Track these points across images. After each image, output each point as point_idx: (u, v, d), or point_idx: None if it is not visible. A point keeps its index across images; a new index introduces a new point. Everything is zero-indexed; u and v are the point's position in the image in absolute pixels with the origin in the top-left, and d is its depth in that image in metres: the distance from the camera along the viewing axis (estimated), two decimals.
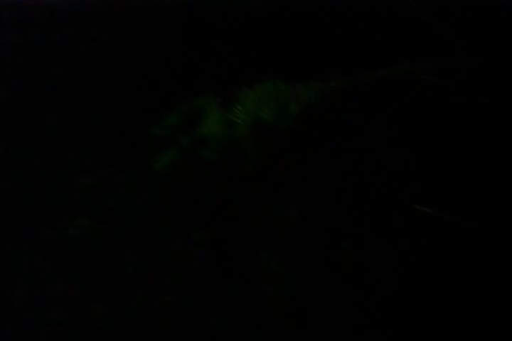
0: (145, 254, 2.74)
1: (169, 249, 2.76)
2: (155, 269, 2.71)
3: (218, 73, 2.75)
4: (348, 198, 2.72)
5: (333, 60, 2.57)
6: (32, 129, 2.87)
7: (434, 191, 2.54)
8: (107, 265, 2.72)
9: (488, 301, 2.37)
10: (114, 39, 2.89)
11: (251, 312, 2.56)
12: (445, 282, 2.49)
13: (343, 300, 2.52)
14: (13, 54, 2.94)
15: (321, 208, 2.70)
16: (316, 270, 2.66)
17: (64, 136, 2.84)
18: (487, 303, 2.36)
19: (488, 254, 2.39)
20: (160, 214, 2.81)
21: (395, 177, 2.68)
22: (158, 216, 2.81)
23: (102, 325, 2.58)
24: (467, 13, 2.18)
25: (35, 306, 2.59)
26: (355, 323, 2.47)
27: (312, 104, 1.66)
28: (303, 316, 2.54)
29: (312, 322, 2.52)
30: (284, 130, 1.72)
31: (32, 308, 2.59)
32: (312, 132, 2.67)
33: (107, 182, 2.85)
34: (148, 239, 2.76)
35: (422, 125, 2.56)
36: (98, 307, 2.58)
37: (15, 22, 2.88)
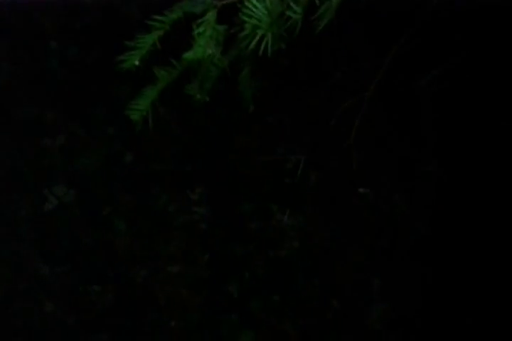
0: (140, 221, 2.39)
1: (167, 212, 2.41)
2: (153, 237, 2.38)
3: None
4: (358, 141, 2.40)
5: None
6: None
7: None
8: (98, 238, 2.36)
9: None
10: None
11: (271, 274, 2.29)
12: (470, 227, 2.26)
13: (367, 249, 2.27)
14: None
15: (329, 152, 2.38)
16: (332, 221, 2.39)
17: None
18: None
19: None
20: (149, 174, 2.44)
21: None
22: (147, 176, 2.45)
23: (100, 310, 2.26)
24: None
25: (26, 297, 2.25)
26: (382, 273, 2.24)
27: None
28: (328, 271, 2.28)
29: (338, 277, 2.28)
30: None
31: (22, 299, 2.25)
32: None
33: (81, 141, 2.45)
34: (141, 203, 2.40)
35: None
36: (95, 288, 2.25)
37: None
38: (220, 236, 2.42)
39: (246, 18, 1.08)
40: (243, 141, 2.53)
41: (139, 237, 2.42)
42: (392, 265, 2.36)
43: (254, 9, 1.08)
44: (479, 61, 2.18)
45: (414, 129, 2.42)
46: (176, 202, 2.47)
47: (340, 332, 2.31)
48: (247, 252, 2.39)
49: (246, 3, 1.07)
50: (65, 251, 2.37)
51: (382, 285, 2.32)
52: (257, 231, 2.44)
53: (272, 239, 2.42)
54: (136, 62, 1.18)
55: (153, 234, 2.41)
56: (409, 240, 2.37)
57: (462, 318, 2.25)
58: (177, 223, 2.43)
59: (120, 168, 2.47)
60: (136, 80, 1.42)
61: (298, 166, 2.46)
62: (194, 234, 2.42)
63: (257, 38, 1.07)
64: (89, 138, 2.52)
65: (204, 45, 1.12)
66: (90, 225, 2.42)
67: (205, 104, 2.66)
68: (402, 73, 2.19)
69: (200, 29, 1.15)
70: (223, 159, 2.54)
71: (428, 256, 2.34)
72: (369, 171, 2.45)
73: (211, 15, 1.13)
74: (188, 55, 1.17)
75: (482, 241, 2.31)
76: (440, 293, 2.29)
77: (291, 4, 1.07)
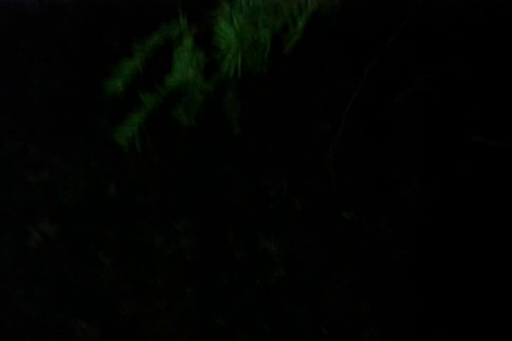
0: (125, 254, 2.36)
1: (152, 244, 2.39)
2: (140, 270, 2.35)
3: None
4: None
5: None
6: None
7: None
8: (83, 273, 2.32)
9: None
10: None
11: (260, 302, 2.26)
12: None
13: (354, 274, 2.27)
14: None
15: (312, 177, 2.40)
16: (317, 246, 2.39)
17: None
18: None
19: None
20: (133, 206, 2.43)
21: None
22: (131, 208, 2.44)
23: None
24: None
25: (12, 336, 2.19)
26: (370, 297, 2.23)
27: (325, 12, 1.20)
28: (315, 298, 2.27)
29: (326, 303, 2.26)
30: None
31: (7, 339, 2.19)
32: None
33: (64, 175, 2.44)
34: (126, 236, 2.38)
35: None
36: (82, 325, 2.20)
37: None
38: (206, 267, 2.40)
39: (217, 43, 1.11)
40: (226, 169, 2.54)
41: (125, 271, 2.39)
42: (379, 289, 2.35)
43: (224, 34, 1.11)
44: (455, 78, 2.22)
45: (395, 150, 2.45)
46: (162, 233, 2.45)
47: None
48: (233, 282, 2.37)
49: (217, 29, 1.10)
50: (50, 287, 2.32)
51: (370, 310, 2.31)
52: (243, 259, 2.42)
53: (259, 267, 2.40)
54: (120, 87, 1.20)
55: (139, 267, 2.38)
56: (396, 263, 2.37)
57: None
58: (163, 255, 2.41)
59: (104, 201, 2.46)
60: (118, 110, 1.44)
61: (282, 193, 2.47)
62: (180, 265, 2.40)
63: (228, 61, 1.09)
64: (73, 172, 2.50)
65: (183, 69, 1.15)
66: (75, 260, 2.39)
67: (187, 134, 2.67)
68: (378, 92, 2.22)
69: (179, 54, 1.17)
70: (207, 189, 2.54)
71: (415, 279, 2.34)
72: (352, 195, 2.47)
73: (188, 41, 1.16)
74: (170, 80, 1.19)
75: (469, 263, 2.32)
76: (429, 316, 2.28)
77: (260, 29, 1.10)
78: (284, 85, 2.49)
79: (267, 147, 2.55)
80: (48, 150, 2.46)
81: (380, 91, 2.08)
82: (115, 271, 2.40)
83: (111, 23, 2.53)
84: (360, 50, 2.14)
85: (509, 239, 2.27)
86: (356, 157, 2.50)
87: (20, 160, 2.42)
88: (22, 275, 2.30)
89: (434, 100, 2.25)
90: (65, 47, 2.55)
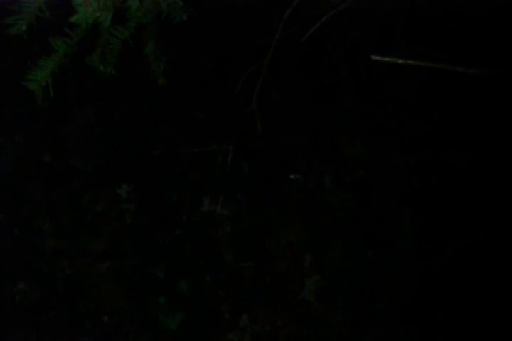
0: (64, 219, 2.33)
1: (94, 209, 2.36)
2: (80, 234, 2.32)
3: None
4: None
5: None
6: None
7: None
8: (22, 238, 2.29)
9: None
10: None
11: (201, 255, 2.27)
12: None
13: (299, 229, 2.30)
14: None
15: (262, 143, 2.41)
16: (264, 205, 2.41)
17: None
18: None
19: None
20: (71, 172, 2.39)
21: None
22: (69, 174, 2.40)
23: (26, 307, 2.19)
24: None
25: None
26: (315, 249, 2.26)
27: None
28: (259, 250, 2.29)
29: (271, 255, 2.28)
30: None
31: None
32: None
33: None
34: (64, 202, 2.34)
35: None
36: (20, 285, 2.17)
37: None
38: (148, 228, 2.39)
39: None
40: (171, 135, 2.52)
41: (65, 236, 2.36)
42: (323, 241, 2.39)
43: None
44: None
45: (336, 109, 2.46)
46: (103, 199, 2.42)
47: (273, 305, 2.31)
48: (175, 239, 2.37)
49: None
50: None
51: (314, 260, 2.34)
52: (186, 220, 2.42)
53: (202, 226, 2.40)
54: (24, 27, 1.16)
55: (79, 232, 2.35)
56: (338, 217, 2.40)
57: None
58: (104, 219, 2.39)
59: (40, 168, 2.41)
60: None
61: (227, 157, 2.46)
62: (122, 228, 2.38)
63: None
64: (7, 141, 2.45)
65: (83, 3, 1.11)
66: (13, 225, 2.35)
67: (128, 99, 2.62)
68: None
69: None
70: (150, 154, 2.51)
71: (356, 230, 2.38)
72: (297, 155, 2.47)
73: None
74: (74, 18, 1.16)
75: (402, 217, 2.36)
76: (363, 261, 2.32)
77: None
78: (207, 36, 2.46)
79: (213, 115, 2.53)
80: None
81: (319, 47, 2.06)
82: (55, 235, 2.36)
83: None
84: None
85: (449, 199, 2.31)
86: (298, 118, 2.50)
87: None
88: None
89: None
90: None
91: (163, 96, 2.43)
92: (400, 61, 1.27)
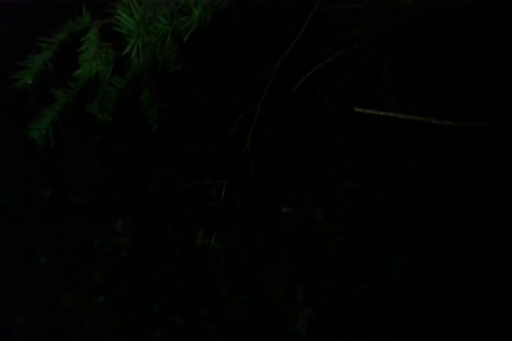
0: (61, 253, 2.39)
1: (90, 243, 2.42)
2: (76, 268, 2.37)
3: None
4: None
5: None
6: None
7: None
8: (20, 272, 2.33)
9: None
10: None
11: (196, 289, 2.32)
12: None
13: (291, 263, 2.35)
14: None
15: (255, 179, 2.49)
16: (257, 239, 2.47)
17: None
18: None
19: None
20: (68, 207, 2.46)
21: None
22: (66, 209, 2.46)
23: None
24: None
25: None
26: (306, 282, 2.32)
27: (222, 9, 1.28)
28: (252, 284, 2.34)
29: (263, 288, 2.34)
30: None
31: None
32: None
33: None
34: (62, 236, 2.40)
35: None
36: (17, 319, 2.21)
37: None
38: (144, 262, 2.44)
39: (118, 29, 1.18)
40: (166, 170, 2.59)
41: (62, 269, 2.41)
42: (315, 275, 2.44)
43: (125, 22, 1.19)
44: None
45: (327, 145, 2.54)
46: (99, 233, 2.48)
47: (266, 338, 2.35)
48: (170, 273, 2.42)
49: (118, 18, 1.17)
50: None
51: (307, 294, 2.39)
52: (181, 254, 2.47)
53: (197, 260, 2.46)
54: (29, 81, 1.25)
55: (75, 266, 2.40)
56: (330, 250, 2.46)
57: None
58: (100, 253, 2.44)
59: (38, 203, 2.48)
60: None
61: (222, 191, 2.53)
62: (117, 262, 2.43)
63: (129, 46, 1.16)
64: (6, 176, 2.51)
65: (90, 60, 1.21)
66: (11, 260, 2.40)
67: (123, 137, 2.70)
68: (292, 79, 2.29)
69: (84, 46, 1.24)
70: (146, 189, 2.58)
71: (348, 264, 2.44)
72: (289, 189, 2.54)
73: (92, 33, 1.23)
74: (77, 72, 1.25)
75: (400, 248, 2.42)
76: (359, 295, 2.38)
77: (158, 16, 1.18)
78: (206, 83, 2.57)
79: (207, 150, 2.60)
80: None
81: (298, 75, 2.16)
82: (52, 269, 2.41)
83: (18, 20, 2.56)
84: (270, 42, 2.24)
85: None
86: (290, 154, 2.58)
87: None
88: None
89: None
90: None
91: (160, 132, 2.51)
92: (381, 113, 1.37)
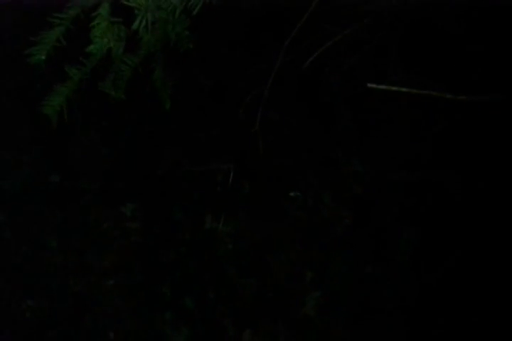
0: (71, 237, 2.39)
1: (99, 228, 2.42)
2: (86, 252, 2.38)
3: None
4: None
5: None
6: None
7: None
8: (30, 255, 2.35)
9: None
10: None
11: (205, 272, 2.32)
12: None
13: (299, 246, 2.36)
14: None
15: (259, 161, 2.48)
16: (265, 223, 2.47)
17: None
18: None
19: None
20: (77, 191, 2.46)
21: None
22: (75, 194, 2.46)
23: (35, 324, 2.24)
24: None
25: None
26: (315, 266, 2.32)
27: None
28: (261, 266, 2.35)
29: (271, 271, 2.34)
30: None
31: None
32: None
33: (6, 163, 2.45)
34: (71, 221, 2.41)
35: None
36: (29, 302, 2.22)
37: None
38: (153, 246, 2.45)
39: (128, 3, 1.18)
40: (174, 155, 2.59)
41: (72, 253, 2.42)
42: (323, 258, 2.45)
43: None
44: None
45: (335, 129, 2.54)
46: (108, 217, 2.49)
47: (275, 320, 2.36)
48: (179, 256, 2.43)
49: None
50: None
51: (315, 276, 2.40)
52: (190, 238, 2.48)
53: (206, 244, 2.46)
54: (43, 57, 1.24)
55: (85, 250, 2.41)
56: (338, 233, 2.46)
57: None
58: (109, 237, 2.45)
59: (47, 188, 2.48)
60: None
61: (228, 176, 2.53)
62: (127, 246, 2.44)
63: (138, 20, 1.16)
64: (15, 161, 2.52)
65: (101, 36, 1.20)
66: (21, 243, 2.41)
67: (133, 120, 2.70)
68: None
69: (95, 22, 1.23)
70: (153, 173, 2.58)
71: (356, 246, 2.44)
72: (298, 173, 2.54)
73: (104, 9, 1.22)
74: (90, 48, 1.25)
75: (401, 233, 2.42)
76: (365, 279, 2.38)
77: None
78: (207, 64, 2.56)
79: (214, 135, 2.60)
80: None
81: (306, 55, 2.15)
82: (62, 253, 2.42)
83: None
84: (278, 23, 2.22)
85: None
86: (299, 138, 2.58)
87: None
88: None
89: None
90: None
91: (166, 117, 2.51)
92: (394, 88, 1.36)
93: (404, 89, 1.36)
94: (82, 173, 2.55)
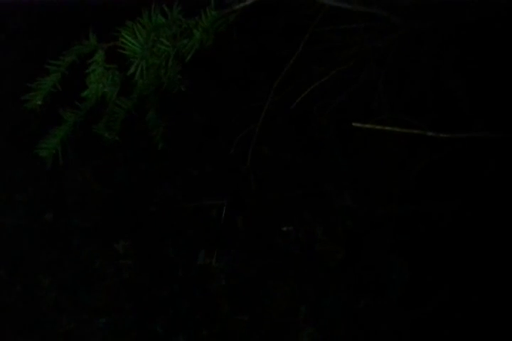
0: (64, 275, 2.40)
1: (92, 265, 2.43)
2: (79, 290, 2.38)
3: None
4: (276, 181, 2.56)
5: None
6: None
7: None
8: (22, 293, 2.34)
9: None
10: None
11: (198, 308, 2.32)
12: None
13: (292, 281, 2.37)
14: None
15: (255, 198, 2.52)
16: (258, 258, 2.48)
17: None
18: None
19: None
20: (71, 229, 2.48)
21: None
22: (68, 231, 2.48)
23: None
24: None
25: None
26: (309, 301, 2.33)
27: (222, 31, 1.33)
28: (254, 302, 2.35)
29: (265, 306, 2.35)
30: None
31: None
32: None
33: (1, 201, 2.48)
34: (64, 258, 2.42)
35: None
36: None
37: None
38: (146, 284, 2.45)
39: (122, 51, 1.24)
40: (167, 191, 2.62)
41: (64, 291, 2.42)
42: (316, 293, 2.45)
43: (129, 44, 1.24)
44: None
45: (326, 163, 2.58)
46: (101, 255, 2.50)
47: None
48: (172, 294, 2.43)
49: (123, 41, 1.23)
50: None
51: (309, 312, 2.41)
52: (183, 274, 2.48)
53: (199, 280, 2.47)
54: (39, 102, 1.29)
55: (78, 287, 2.41)
56: (331, 268, 2.48)
57: None
58: (101, 275, 2.45)
59: (42, 226, 2.50)
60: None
61: (222, 211, 2.56)
62: (119, 284, 2.44)
63: (133, 67, 1.21)
64: (10, 199, 2.54)
65: (96, 81, 1.26)
66: (13, 281, 2.40)
67: (126, 158, 2.73)
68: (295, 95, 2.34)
69: (91, 68, 1.29)
70: (147, 210, 2.61)
71: (348, 281, 2.45)
72: (289, 208, 2.58)
73: (99, 56, 1.28)
74: (85, 93, 1.30)
75: (397, 268, 2.44)
76: (362, 314, 2.39)
77: (161, 38, 1.24)
78: (206, 104, 2.63)
79: (207, 171, 2.64)
80: None
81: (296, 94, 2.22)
82: (54, 291, 2.42)
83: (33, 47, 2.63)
84: (268, 62, 2.30)
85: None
86: (289, 173, 2.62)
87: None
88: None
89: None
90: None
91: (159, 154, 2.55)
92: (378, 127, 1.42)
93: (387, 128, 1.42)
94: (75, 211, 2.57)
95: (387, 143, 2.40)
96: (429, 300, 2.35)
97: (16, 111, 2.53)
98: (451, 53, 1.91)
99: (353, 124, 1.36)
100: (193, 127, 2.67)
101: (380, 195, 2.55)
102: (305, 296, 2.43)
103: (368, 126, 1.36)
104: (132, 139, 2.21)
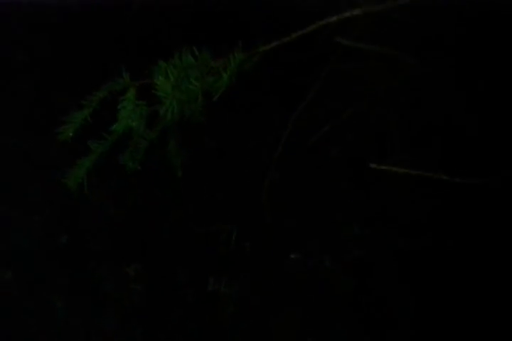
0: (76, 298, 2.43)
1: (103, 289, 2.46)
2: (90, 313, 2.41)
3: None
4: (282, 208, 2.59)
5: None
6: None
7: None
8: (36, 315, 2.37)
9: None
10: None
11: (208, 336, 2.34)
12: None
13: (301, 309, 2.38)
14: None
15: (264, 224, 2.55)
16: (266, 285, 2.50)
17: None
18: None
19: None
20: (84, 252, 2.52)
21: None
22: (82, 255, 2.52)
23: None
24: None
25: None
26: (318, 330, 2.34)
27: (247, 71, 1.40)
28: (263, 331, 2.36)
29: (274, 336, 2.36)
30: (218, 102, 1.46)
31: None
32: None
33: (18, 224, 2.52)
34: (77, 281, 2.45)
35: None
36: None
37: None
38: (156, 310, 2.47)
39: (155, 92, 1.31)
40: (177, 216, 2.66)
41: (76, 314, 2.44)
42: (325, 321, 2.46)
43: (161, 86, 1.31)
44: None
45: (335, 197, 2.62)
46: (112, 279, 2.52)
47: None
48: (182, 320, 2.44)
49: (156, 81, 1.30)
50: (4, 331, 2.35)
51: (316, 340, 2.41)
52: (193, 301, 2.50)
53: (208, 307, 2.49)
54: (71, 134, 1.36)
55: (89, 311, 2.43)
56: (339, 296, 2.49)
57: None
58: (112, 299, 2.48)
59: (56, 249, 2.54)
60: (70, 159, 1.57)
61: (231, 237, 2.59)
62: (129, 309, 2.46)
63: (166, 108, 1.28)
64: (27, 221, 2.59)
65: (127, 117, 1.32)
66: (28, 303, 2.43)
67: (136, 181, 2.79)
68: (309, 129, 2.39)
69: (123, 105, 1.36)
70: (158, 234, 2.64)
71: (357, 311, 2.47)
72: (298, 236, 2.60)
73: (131, 93, 1.35)
74: (115, 127, 1.36)
75: (407, 297, 2.46)
76: None
77: (191, 79, 1.31)
78: (224, 133, 2.68)
79: (217, 196, 2.69)
80: (2, 201, 2.54)
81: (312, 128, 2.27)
82: (67, 313, 2.44)
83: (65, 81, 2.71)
84: (286, 96, 2.36)
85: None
86: (301, 202, 2.66)
87: None
88: None
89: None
90: (16, 102, 2.69)
91: (172, 179, 2.59)
92: (394, 169, 1.48)
93: (402, 170, 1.47)
94: (89, 234, 2.61)
95: (397, 177, 2.45)
96: (438, 334, 2.36)
97: (32, 134, 2.59)
98: (462, 93, 1.96)
99: (370, 166, 1.41)
100: (206, 153, 2.72)
101: (389, 227, 2.58)
102: (312, 326, 2.44)
103: (383, 167, 1.42)
104: (146, 165, 2.26)
